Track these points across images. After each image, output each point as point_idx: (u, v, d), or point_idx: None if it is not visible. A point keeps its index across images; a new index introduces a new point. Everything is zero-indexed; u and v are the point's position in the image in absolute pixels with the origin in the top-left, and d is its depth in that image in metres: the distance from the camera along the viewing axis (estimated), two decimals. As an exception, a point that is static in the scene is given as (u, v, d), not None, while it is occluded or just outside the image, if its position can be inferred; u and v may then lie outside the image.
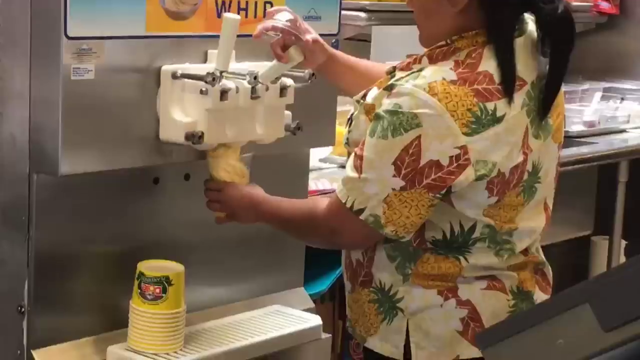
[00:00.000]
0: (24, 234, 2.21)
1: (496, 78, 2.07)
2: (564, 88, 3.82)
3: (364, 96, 2.20)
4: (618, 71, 4.54)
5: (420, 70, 2.10)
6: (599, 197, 4.22)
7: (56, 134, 2.13)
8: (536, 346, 0.90)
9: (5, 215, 2.24)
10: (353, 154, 2.15)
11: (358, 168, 2.10)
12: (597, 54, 4.60)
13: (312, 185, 2.93)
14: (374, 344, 2.24)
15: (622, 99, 4.42)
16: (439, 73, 2.06)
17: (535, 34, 2.16)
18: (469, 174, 2.06)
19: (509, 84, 2.07)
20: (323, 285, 2.90)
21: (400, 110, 2.05)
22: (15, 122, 2.20)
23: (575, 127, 4.15)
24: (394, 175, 2.07)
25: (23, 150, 2.19)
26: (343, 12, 3.41)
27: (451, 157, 2.04)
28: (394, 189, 2.07)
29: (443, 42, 2.13)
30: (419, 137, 2.04)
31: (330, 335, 2.62)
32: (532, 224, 2.24)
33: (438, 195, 2.08)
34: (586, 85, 4.36)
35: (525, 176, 2.15)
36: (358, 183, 2.10)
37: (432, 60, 2.13)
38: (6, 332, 2.26)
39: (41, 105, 2.15)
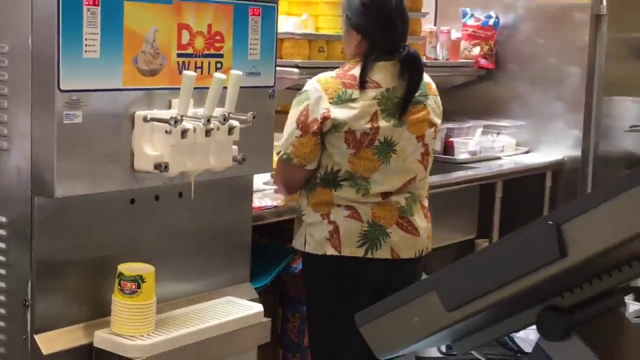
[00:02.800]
0: (28, 244, 2.19)
1: (357, 79, 2.67)
2: (454, 125, 3.94)
3: None
4: (495, 112, 4.55)
5: None
6: (480, 209, 4.25)
7: (52, 165, 2.12)
8: (399, 323, 0.92)
9: (13, 229, 2.22)
10: None
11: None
12: (479, 99, 4.63)
13: (257, 202, 2.92)
14: (294, 243, 2.81)
15: (498, 133, 4.46)
16: (328, 73, 2.72)
17: (399, 65, 2.72)
18: (328, 123, 2.63)
19: (362, 82, 2.66)
20: (266, 280, 2.88)
21: (300, 92, 2.71)
22: (20, 156, 2.18)
23: (462, 156, 4.20)
24: (295, 128, 2.66)
25: (26, 178, 2.17)
26: (281, 68, 3.44)
27: (321, 114, 2.63)
28: (296, 137, 2.65)
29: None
30: (307, 105, 2.66)
31: (270, 319, 2.59)
32: (389, 181, 2.73)
33: (316, 137, 2.65)
34: (470, 123, 4.40)
35: (377, 143, 2.68)
36: (281, 140, 2.71)
37: None
38: (15, 321, 2.24)
39: (40, 143, 2.14)
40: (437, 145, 4.18)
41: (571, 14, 4.31)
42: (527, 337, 1.15)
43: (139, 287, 2.26)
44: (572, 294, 0.93)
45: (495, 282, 0.85)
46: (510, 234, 0.87)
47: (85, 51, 2.14)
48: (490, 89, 4.59)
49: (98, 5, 2.16)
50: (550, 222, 0.81)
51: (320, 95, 2.64)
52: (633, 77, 4.59)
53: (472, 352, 1.09)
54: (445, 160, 4.16)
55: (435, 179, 3.62)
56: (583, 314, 0.95)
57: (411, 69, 2.73)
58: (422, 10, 4.12)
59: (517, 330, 1.02)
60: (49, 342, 2.23)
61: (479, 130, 4.34)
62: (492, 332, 1.01)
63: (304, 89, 2.70)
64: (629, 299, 1.77)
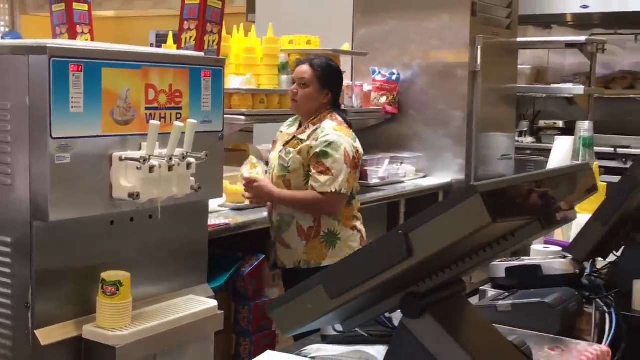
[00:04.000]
0: (28, 258, 2.18)
1: (344, 123, 2.94)
2: (367, 157, 3.95)
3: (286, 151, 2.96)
4: (399, 146, 4.61)
5: (318, 127, 2.89)
6: (388, 222, 4.27)
7: (47, 196, 2.11)
8: (297, 309, 0.97)
9: (16, 247, 2.21)
10: (315, 172, 2.82)
11: (327, 172, 2.78)
12: (386, 136, 4.68)
13: (211, 221, 2.92)
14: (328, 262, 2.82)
15: (402, 162, 4.52)
16: (331, 124, 2.88)
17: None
18: (361, 155, 2.93)
19: (349, 125, 2.97)
20: (220, 282, 2.87)
21: (332, 141, 2.82)
22: (21, 189, 2.17)
23: (374, 180, 4.25)
24: (346, 167, 2.78)
25: (26, 206, 2.16)
26: (231, 116, 3.47)
27: (356, 151, 2.87)
28: (348, 173, 2.79)
29: (314, 115, 2.93)
30: (344, 148, 2.81)
31: (223, 312, 2.57)
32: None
33: (356, 169, 2.89)
34: (380, 155, 4.44)
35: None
36: (333, 178, 2.77)
37: (315, 122, 2.92)
38: (19, 319, 2.22)
39: (37, 179, 2.13)
40: (355, 173, 4.25)
41: (454, 70, 4.41)
42: (399, 316, 1.20)
43: (118, 290, 2.25)
44: (425, 283, 0.99)
45: (363, 276, 0.91)
46: (376, 239, 0.92)
47: (72, 107, 2.14)
48: (395, 128, 4.64)
49: (81, 71, 2.17)
50: (400, 231, 0.87)
51: (347, 139, 2.86)
52: (502, 118, 4.71)
53: (356, 329, 1.14)
54: (361, 184, 4.15)
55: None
56: (434, 298, 1.01)
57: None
58: (340, 69, 4.18)
59: (389, 312, 1.07)
60: (46, 335, 2.21)
61: (387, 160, 4.39)
62: (370, 314, 1.06)
63: (331, 140, 2.83)
64: (488, 287, 1.83)
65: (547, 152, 4.44)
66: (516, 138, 5.91)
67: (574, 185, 1.01)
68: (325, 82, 2.94)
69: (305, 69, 2.95)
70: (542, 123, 6.21)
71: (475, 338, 1.03)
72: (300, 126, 3.00)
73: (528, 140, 6.04)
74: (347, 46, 4.24)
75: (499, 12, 4.54)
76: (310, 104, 2.94)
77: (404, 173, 4.43)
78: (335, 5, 4.71)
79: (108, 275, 2.24)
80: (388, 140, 4.63)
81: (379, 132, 4.66)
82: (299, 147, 2.89)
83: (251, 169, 3.02)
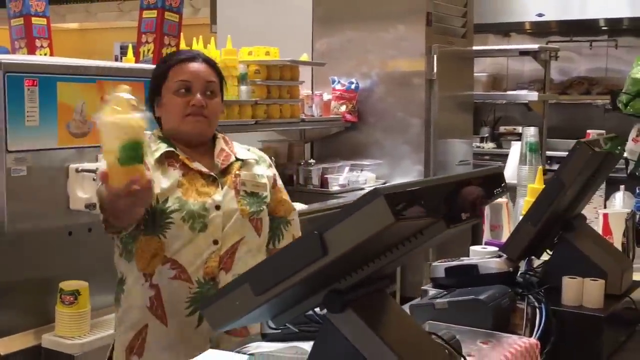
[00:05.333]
0: (-13, 269, 2.20)
1: None
2: (327, 165, 3.81)
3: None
4: (359, 154, 4.67)
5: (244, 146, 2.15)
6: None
7: (3, 208, 2.16)
8: (227, 306, 1.04)
9: (-26, 258, 2.24)
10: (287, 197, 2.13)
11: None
12: (346, 144, 4.74)
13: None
14: None
15: (362, 170, 4.58)
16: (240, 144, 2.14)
17: None
18: None
19: None
20: None
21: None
22: (-22, 203, 2.19)
23: (335, 188, 4.31)
24: None
25: (-17, 219, 2.18)
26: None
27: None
28: None
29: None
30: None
31: None
32: None
33: None
34: (340, 163, 4.51)
35: None
36: None
37: (222, 145, 2.04)
38: (-22, 331, 2.25)
39: (-7, 192, 2.15)
40: (316, 180, 4.32)
41: (411, 79, 4.51)
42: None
43: (76, 299, 2.30)
44: (346, 280, 1.07)
45: (284, 274, 0.98)
46: (295, 239, 1.01)
47: (27, 121, 2.20)
48: (355, 136, 4.70)
49: (36, 85, 2.23)
50: (315, 232, 0.96)
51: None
52: (460, 124, 4.82)
53: (287, 325, 1.22)
54: (321, 192, 4.26)
55: (316, 206, 3.74)
56: (355, 293, 1.09)
57: None
58: (300, 79, 4.28)
59: (316, 307, 1.15)
60: (6, 345, 2.26)
61: (347, 168, 4.45)
62: (298, 310, 1.14)
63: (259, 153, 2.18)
64: (429, 287, 1.91)
65: (506, 157, 4.57)
66: (477, 144, 6.06)
67: (482, 187, 1.10)
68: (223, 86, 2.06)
69: (208, 70, 1.98)
70: (502, 129, 6.36)
71: (396, 331, 1.11)
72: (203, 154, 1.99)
73: (489, 145, 6.19)
74: (306, 57, 4.33)
75: (454, 21, 4.67)
76: (217, 120, 2.03)
77: (364, 180, 4.49)
78: (295, 17, 4.80)
79: (66, 285, 2.29)
80: (348, 148, 4.69)
81: (339, 141, 4.73)
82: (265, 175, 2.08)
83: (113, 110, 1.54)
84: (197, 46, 3.93)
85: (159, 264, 1.85)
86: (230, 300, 1.02)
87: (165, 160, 1.91)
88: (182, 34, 3.53)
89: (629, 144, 2.47)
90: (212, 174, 1.93)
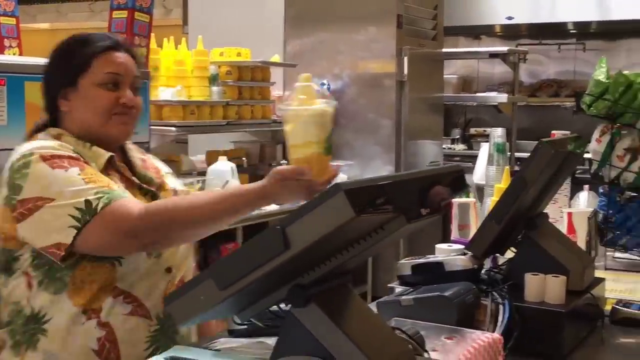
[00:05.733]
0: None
1: None
2: None
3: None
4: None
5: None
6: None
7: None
8: (192, 301, 1.05)
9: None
10: None
11: None
12: None
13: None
14: None
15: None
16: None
17: None
18: None
19: None
20: None
21: None
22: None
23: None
24: None
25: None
26: (163, 127, 3.54)
27: None
28: None
29: None
30: None
31: None
32: None
33: None
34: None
35: None
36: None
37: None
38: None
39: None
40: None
41: (382, 80, 4.56)
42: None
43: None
44: (309, 275, 1.10)
45: (247, 268, 1.00)
46: (258, 234, 1.02)
47: (-5, 120, 2.20)
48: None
49: (4, 85, 2.22)
50: (278, 227, 0.98)
51: None
52: (430, 125, 4.87)
53: (251, 320, 1.24)
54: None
55: (288, 206, 3.75)
56: (318, 288, 1.11)
57: None
58: (272, 80, 4.30)
59: (281, 302, 1.18)
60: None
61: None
62: (263, 304, 1.16)
63: None
64: (396, 284, 1.95)
65: (476, 158, 4.62)
66: (448, 145, 6.13)
67: (442, 184, 1.13)
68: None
69: (133, 62, 1.73)
70: (473, 130, 6.44)
71: (359, 325, 1.13)
72: (121, 156, 1.75)
73: (460, 147, 6.26)
74: (277, 58, 4.35)
75: (425, 24, 4.72)
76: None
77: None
78: (267, 18, 4.82)
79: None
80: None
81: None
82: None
83: (304, 100, 1.48)
84: (168, 47, 3.93)
85: (109, 297, 1.55)
86: (194, 295, 1.03)
87: (104, 169, 1.62)
88: (152, 34, 3.53)
89: (593, 145, 2.52)
90: (151, 189, 1.70)
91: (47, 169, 1.50)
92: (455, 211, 2.50)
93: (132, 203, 1.49)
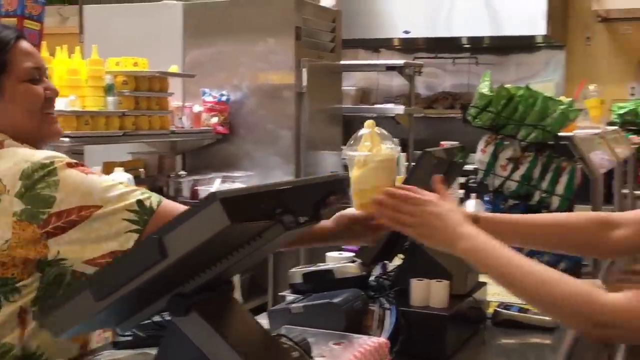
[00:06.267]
0: None
1: None
2: (198, 177, 3.67)
3: None
4: (231, 166, 4.68)
5: None
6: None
7: None
8: (70, 312, 1.04)
9: None
10: None
11: None
12: (218, 156, 4.75)
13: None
14: None
15: (233, 182, 4.56)
16: None
17: None
18: None
19: None
20: None
21: None
22: None
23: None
24: None
25: None
26: (54, 138, 3.43)
27: None
28: None
29: None
30: None
31: None
32: None
33: None
34: (212, 175, 4.53)
35: None
36: None
37: None
38: None
39: None
40: (187, 192, 4.31)
41: (281, 92, 4.59)
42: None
43: None
44: (189, 284, 1.11)
45: (124, 279, 1.00)
46: (135, 244, 1.03)
47: None
48: (227, 148, 4.72)
49: None
50: (154, 236, 0.98)
51: None
52: (329, 136, 4.94)
53: (134, 330, 1.24)
54: (192, 204, 4.22)
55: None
56: (199, 297, 1.12)
57: None
58: (170, 91, 4.26)
59: (163, 312, 1.18)
60: None
61: (219, 180, 4.45)
62: (144, 315, 1.16)
63: None
64: (287, 293, 1.97)
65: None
66: (349, 156, 6.23)
67: (322, 193, 1.16)
68: None
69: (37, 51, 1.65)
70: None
71: (241, 334, 1.15)
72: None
73: (360, 157, 6.37)
74: (175, 68, 4.32)
75: (323, 36, 4.79)
76: None
77: (236, 192, 4.49)
78: (165, 28, 4.78)
79: None
80: (220, 160, 4.70)
81: (211, 152, 4.73)
82: None
83: (371, 146, 1.51)
84: (61, 56, 3.83)
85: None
86: (71, 306, 1.02)
87: None
88: (44, 42, 3.44)
89: (478, 155, 2.63)
90: None
91: (80, 175, 1.38)
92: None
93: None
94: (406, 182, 1.84)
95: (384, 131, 1.49)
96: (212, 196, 0.95)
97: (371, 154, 1.44)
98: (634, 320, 1.20)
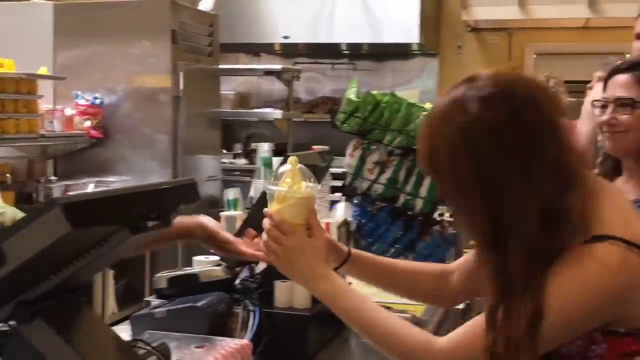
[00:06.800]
0: None
1: None
2: (70, 182, 3.57)
3: None
4: (106, 170, 4.59)
5: None
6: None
7: None
8: None
9: None
10: None
11: None
12: (92, 160, 4.64)
13: None
14: None
15: (108, 186, 4.43)
16: None
17: None
18: None
19: None
20: None
21: None
22: None
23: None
24: None
25: None
26: None
27: None
28: None
29: None
30: None
31: None
32: None
33: None
34: (85, 180, 4.41)
35: None
36: None
37: None
38: None
39: None
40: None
41: (158, 95, 4.54)
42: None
43: None
44: (34, 290, 1.09)
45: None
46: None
47: None
48: (101, 152, 4.62)
49: None
50: (-10, 242, 0.97)
51: None
52: (207, 141, 4.93)
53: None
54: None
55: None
56: (45, 304, 1.11)
57: None
58: (40, 93, 4.13)
59: (8, 320, 1.15)
60: None
61: (92, 184, 4.35)
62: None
63: None
64: (153, 298, 1.96)
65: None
66: (231, 160, 6.22)
67: (172, 197, 1.17)
68: None
69: None
70: (254, 145, 6.59)
71: (89, 340, 1.15)
72: None
73: (242, 161, 6.37)
74: (45, 70, 4.18)
75: (201, 40, 4.78)
76: None
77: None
78: (35, 28, 4.62)
79: None
80: (94, 165, 4.60)
81: (84, 157, 4.62)
82: None
83: (292, 182, 1.50)
84: None
85: None
86: None
87: None
88: None
89: (346, 159, 2.71)
90: None
91: None
92: (223, 223, 2.57)
93: None
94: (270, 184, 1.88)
95: (305, 168, 1.51)
96: (52, 202, 0.95)
97: (292, 190, 1.46)
98: None
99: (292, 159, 1.52)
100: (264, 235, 1.46)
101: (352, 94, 2.68)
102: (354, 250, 1.64)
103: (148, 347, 1.43)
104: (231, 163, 6.14)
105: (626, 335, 1.29)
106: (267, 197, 1.50)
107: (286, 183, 1.49)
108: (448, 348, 1.30)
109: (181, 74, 4.46)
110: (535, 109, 1.26)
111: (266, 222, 1.46)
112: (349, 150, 2.74)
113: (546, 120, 1.27)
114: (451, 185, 1.30)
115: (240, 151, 6.52)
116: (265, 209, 1.48)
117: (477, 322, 1.28)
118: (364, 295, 1.44)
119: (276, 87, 6.80)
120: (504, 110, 1.25)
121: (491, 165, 1.24)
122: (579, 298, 1.22)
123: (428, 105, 2.73)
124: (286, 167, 1.50)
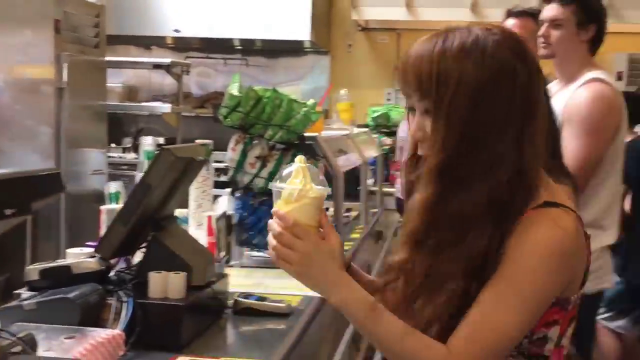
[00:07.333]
0: None
1: None
2: None
3: None
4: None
5: None
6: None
7: None
8: None
9: None
10: None
11: None
12: None
13: None
14: None
15: None
16: None
17: None
18: None
19: None
20: None
21: None
22: None
23: None
24: None
25: None
26: None
27: None
28: None
29: None
30: None
31: None
32: None
33: None
34: None
35: None
36: None
37: None
38: None
39: None
40: None
41: (40, 86, 4.41)
42: None
43: None
44: None
45: None
46: None
47: None
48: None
49: None
50: None
51: None
52: (93, 134, 4.84)
53: None
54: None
55: None
56: None
57: None
58: None
59: None
60: None
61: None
62: None
63: None
64: (24, 290, 1.94)
65: (144, 166, 4.67)
66: (120, 154, 6.12)
67: (33, 186, 1.18)
68: None
69: None
70: (144, 140, 6.50)
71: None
72: None
73: (131, 155, 6.28)
74: None
75: (87, 31, 4.68)
76: None
77: None
78: None
79: None
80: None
81: None
82: None
83: (304, 182, 1.44)
84: None
85: None
86: None
87: None
88: None
89: (229, 153, 2.75)
90: None
91: None
92: (103, 217, 2.55)
93: None
94: (144, 177, 1.90)
95: (314, 167, 1.45)
96: None
97: (305, 189, 1.39)
98: None
99: (300, 157, 1.44)
100: (273, 241, 1.39)
101: (234, 89, 2.72)
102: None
103: (13, 338, 1.43)
104: (120, 157, 6.05)
105: (554, 305, 1.34)
106: (273, 197, 1.43)
107: (295, 183, 1.41)
108: (466, 351, 1.28)
109: (65, 65, 4.36)
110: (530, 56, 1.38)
111: (274, 226, 1.40)
112: (231, 144, 2.78)
113: (536, 66, 1.38)
114: (439, 113, 1.30)
115: (129, 145, 6.43)
116: (274, 208, 1.41)
117: (476, 317, 1.30)
118: (380, 307, 1.37)
119: (167, 81, 6.72)
120: (515, 51, 1.34)
121: (492, 104, 1.31)
122: (538, 259, 1.27)
123: (311, 102, 2.81)
124: (293, 167, 1.43)
